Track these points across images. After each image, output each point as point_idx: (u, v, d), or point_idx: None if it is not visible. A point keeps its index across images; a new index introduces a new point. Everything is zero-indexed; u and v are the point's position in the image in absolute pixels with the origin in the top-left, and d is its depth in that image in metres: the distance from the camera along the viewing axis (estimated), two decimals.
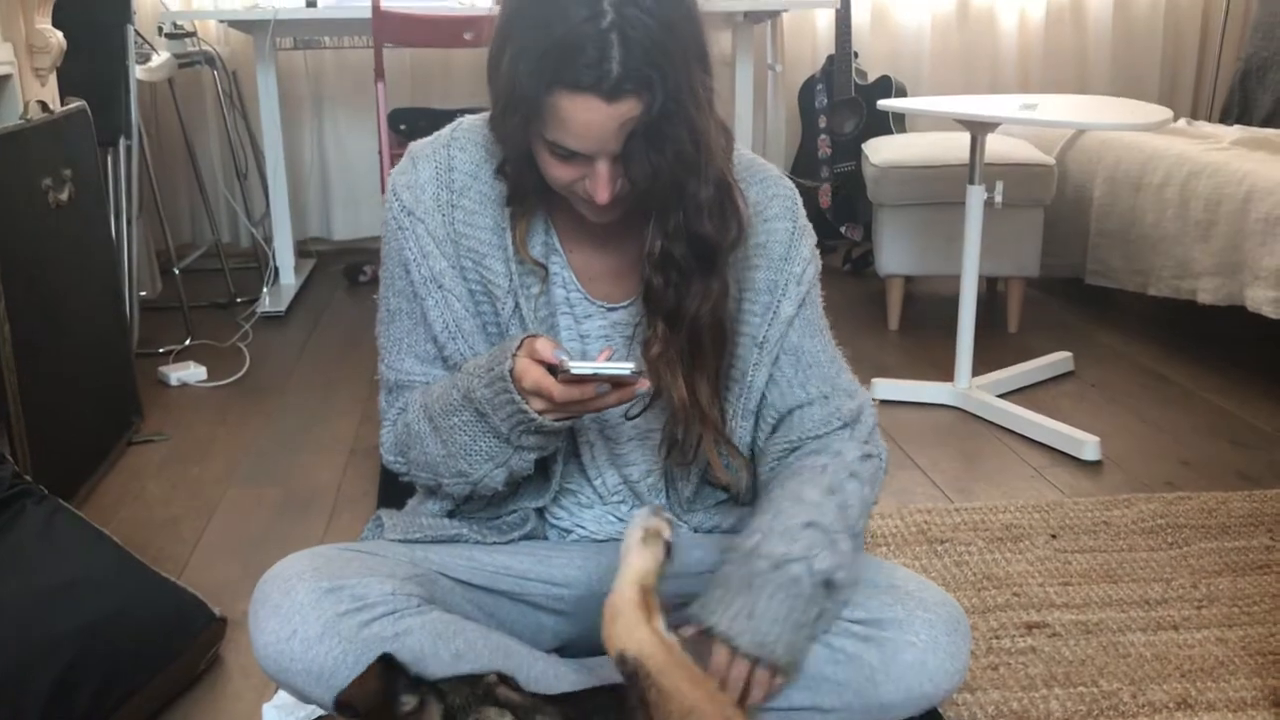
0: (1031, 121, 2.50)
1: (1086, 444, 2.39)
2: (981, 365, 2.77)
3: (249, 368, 3.03)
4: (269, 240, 3.84)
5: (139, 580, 1.52)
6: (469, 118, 1.34)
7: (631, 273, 1.31)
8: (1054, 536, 2.03)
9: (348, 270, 4.03)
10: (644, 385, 1.16)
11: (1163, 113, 2.44)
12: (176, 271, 3.39)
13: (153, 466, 2.41)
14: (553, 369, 1.13)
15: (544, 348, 1.14)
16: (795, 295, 1.32)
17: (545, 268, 1.29)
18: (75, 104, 2.35)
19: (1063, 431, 2.45)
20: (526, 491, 1.37)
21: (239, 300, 3.68)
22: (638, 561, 1.16)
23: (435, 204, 1.28)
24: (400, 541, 1.37)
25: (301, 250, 4.19)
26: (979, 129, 2.52)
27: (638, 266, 1.28)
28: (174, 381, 2.91)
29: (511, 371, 1.15)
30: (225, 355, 3.13)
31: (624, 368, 1.11)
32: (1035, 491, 2.25)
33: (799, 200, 1.37)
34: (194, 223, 4.23)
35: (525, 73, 1.09)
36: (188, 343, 3.19)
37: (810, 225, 1.38)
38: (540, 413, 1.16)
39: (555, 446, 1.28)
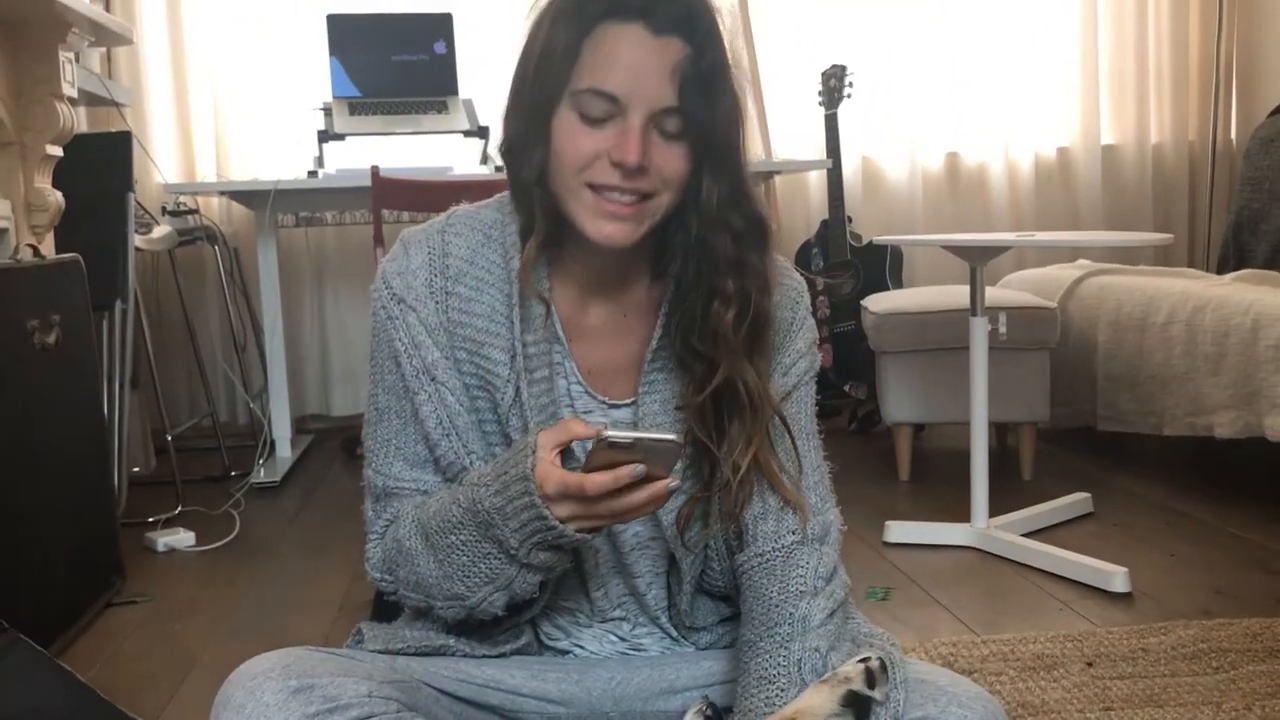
0: (1033, 243, 2.48)
1: (1115, 575, 2.27)
2: (997, 509, 2.67)
3: (238, 533, 2.93)
4: (266, 414, 3.80)
5: (97, 714, 1.39)
6: (463, 206, 1.28)
7: (632, 369, 1.23)
8: (1090, 664, 1.89)
9: (345, 443, 3.97)
10: (674, 483, 1.06)
11: (1164, 236, 2.43)
12: (169, 438, 3.32)
13: (132, 626, 2.29)
14: (576, 466, 1.05)
15: (576, 425, 1.07)
16: (778, 386, 1.23)
17: (548, 304, 1.19)
18: (69, 255, 2.34)
19: (1089, 564, 2.34)
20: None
21: (233, 474, 3.60)
22: None
23: (428, 290, 1.20)
24: (382, 652, 1.25)
25: (300, 427, 4.14)
26: (977, 258, 2.50)
27: (639, 363, 1.22)
28: (161, 547, 2.81)
29: (533, 470, 1.05)
30: (215, 522, 3.03)
31: (666, 436, 1.03)
32: (1065, 623, 2.12)
33: (806, 294, 1.30)
34: (191, 401, 4.19)
35: (566, 20, 1.08)
36: (178, 510, 3.09)
37: (813, 321, 1.31)
38: (564, 520, 1.06)
39: (563, 568, 1.17)
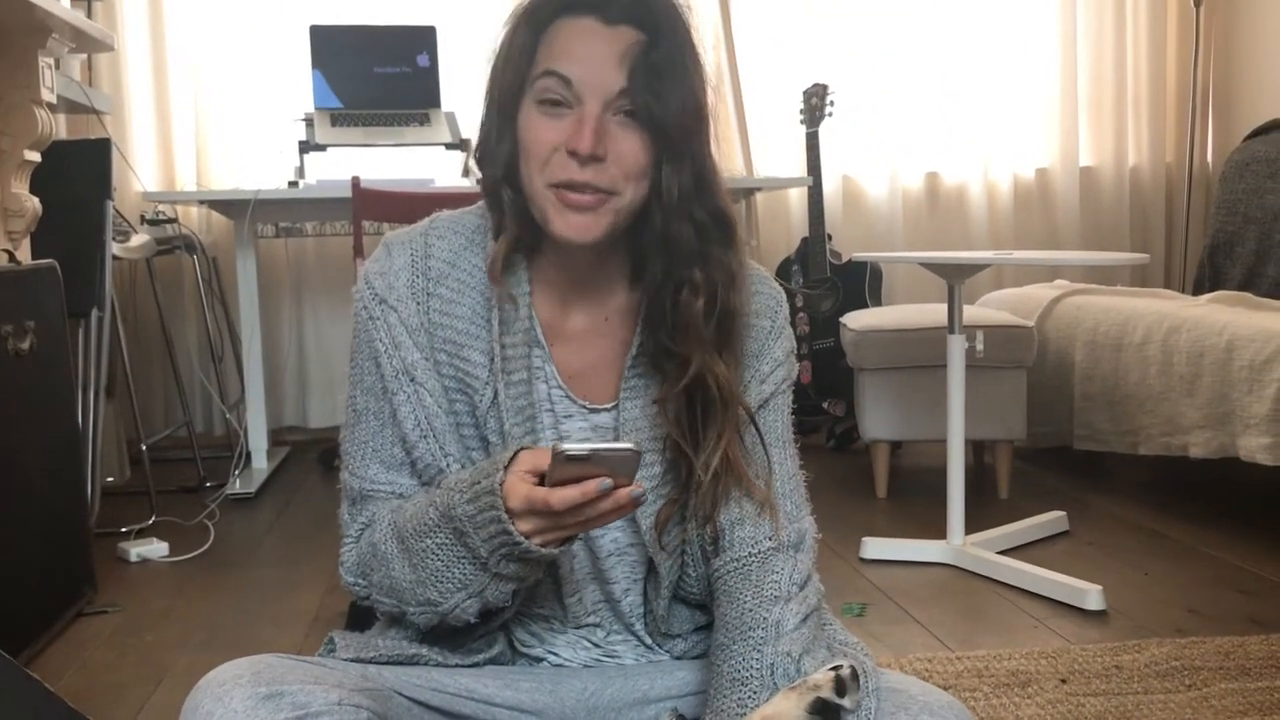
0: (1009, 261, 2.50)
1: (1090, 593, 2.28)
2: (973, 527, 2.68)
3: (212, 544, 2.91)
4: (242, 425, 3.78)
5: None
6: (445, 211, 1.29)
7: (613, 373, 1.24)
8: (1063, 681, 1.90)
9: (322, 455, 3.95)
10: (639, 489, 1.05)
11: (1140, 256, 2.45)
12: (144, 448, 3.29)
13: (102, 636, 2.27)
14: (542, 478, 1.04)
15: (541, 455, 1.06)
16: (755, 394, 1.24)
17: (516, 303, 1.20)
18: (45, 261, 2.33)
19: (1064, 582, 2.34)
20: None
21: (208, 485, 3.58)
22: None
23: (410, 291, 1.21)
24: (353, 661, 1.25)
25: (276, 439, 4.12)
26: (955, 275, 2.52)
27: (620, 367, 1.22)
28: (134, 557, 2.79)
29: (501, 485, 1.06)
30: (189, 533, 3.00)
31: (623, 447, 1.03)
32: (1040, 640, 2.13)
33: (784, 304, 1.31)
34: (167, 410, 4.16)
35: (526, 22, 1.12)
36: (151, 520, 3.07)
37: (790, 331, 1.32)
38: (528, 534, 1.06)
39: (536, 577, 1.17)
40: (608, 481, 1.01)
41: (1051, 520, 2.86)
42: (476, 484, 1.08)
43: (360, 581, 1.25)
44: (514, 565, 1.09)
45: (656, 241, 1.16)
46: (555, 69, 1.10)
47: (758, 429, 1.22)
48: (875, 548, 2.67)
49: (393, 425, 1.22)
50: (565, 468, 1.01)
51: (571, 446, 1.00)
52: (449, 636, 1.25)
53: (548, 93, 1.10)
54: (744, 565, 1.19)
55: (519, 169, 1.15)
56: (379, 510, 1.23)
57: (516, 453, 1.08)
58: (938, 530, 2.67)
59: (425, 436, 1.21)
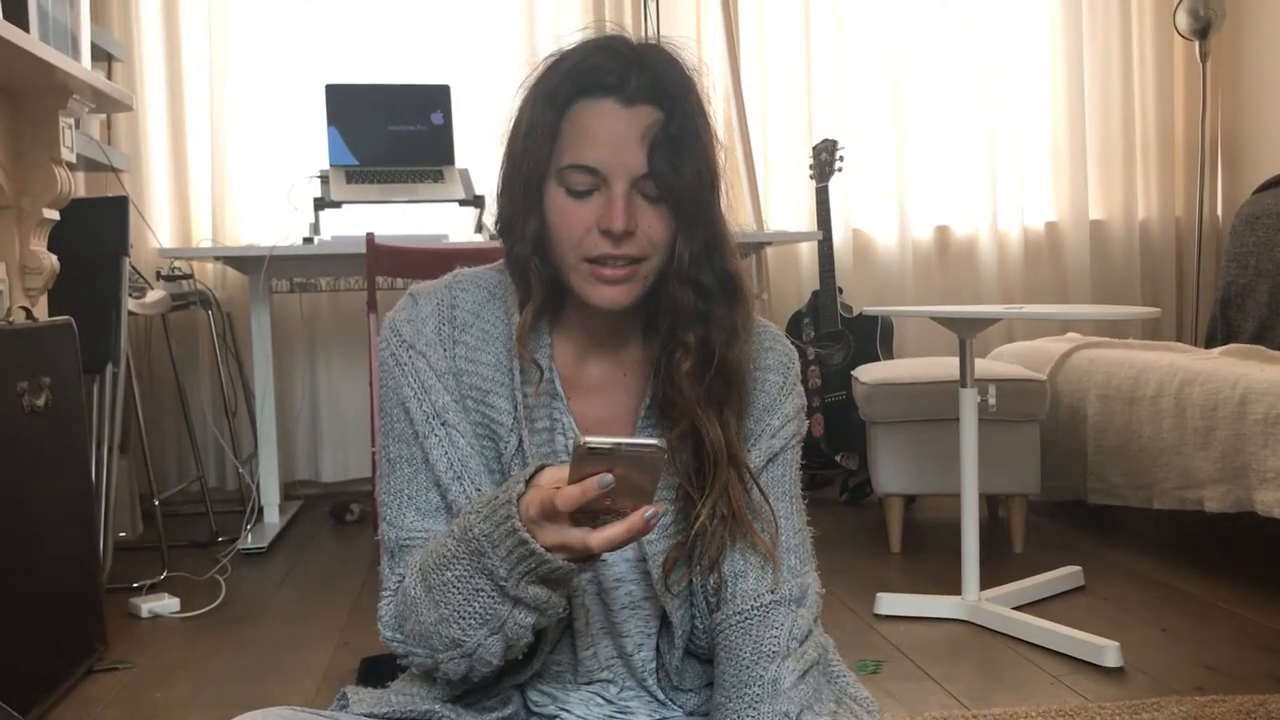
0: (1020, 315, 2.50)
1: (1107, 650, 2.26)
2: (988, 582, 2.66)
3: (224, 599, 2.90)
4: (255, 480, 3.78)
5: None
6: (465, 269, 1.31)
7: (628, 424, 1.24)
8: None
9: (334, 509, 3.95)
10: (659, 509, 1.03)
11: (1151, 310, 2.46)
12: (157, 503, 3.30)
13: (112, 694, 2.26)
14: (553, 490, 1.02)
15: (565, 470, 1.03)
16: (765, 448, 1.25)
17: (541, 370, 1.21)
18: (61, 318, 2.35)
19: (1081, 639, 2.32)
20: (509, 665, 1.25)
21: (220, 539, 3.58)
22: None
23: (437, 337, 1.23)
24: (366, 716, 1.24)
25: (289, 493, 4.12)
26: (966, 329, 2.52)
27: (634, 417, 1.23)
28: (145, 613, 2.78)
29: (519, 499, 1.04)
30: (201, 588, 3.00)
31: (648, 442, 0.99)
32: (1057, 698, 2.10)
33: (796, 362, 1.32)
34: (180, 465, 4.17)
35: (544, 103, 1.13)
36: (163, 576, 3.06)
37: (802, 389, 1.33)
38: (550, 548, 1.04)
39: (557, 609, 1.13)
40: (608, 478, 0.98)
41: (1067, 575, 2.83)
42: (493, 500, 1.07)
43: (398, 635, 1.21)
44: (534, 588, 1.07)
45: (666, 302, 1.19)
46: (583, 163, 1.12)
47: (758, 485, 1.22)
48: (889, 603, 2.65)
49: (426, 470, 1.22)
50: (589, 464, 0.98)
51: (596, 439, 0.97)
52: (463, 695, 1.24)
53: (577, 185, 1.13)
54: (745, 619, 1.19)
55: (547, 245, 1.17)
56: (415, 558, 1.23)
57: (540, 468, 1.07)
58: (952, 585, 2.65)
59: (459, 478, 1.20)
